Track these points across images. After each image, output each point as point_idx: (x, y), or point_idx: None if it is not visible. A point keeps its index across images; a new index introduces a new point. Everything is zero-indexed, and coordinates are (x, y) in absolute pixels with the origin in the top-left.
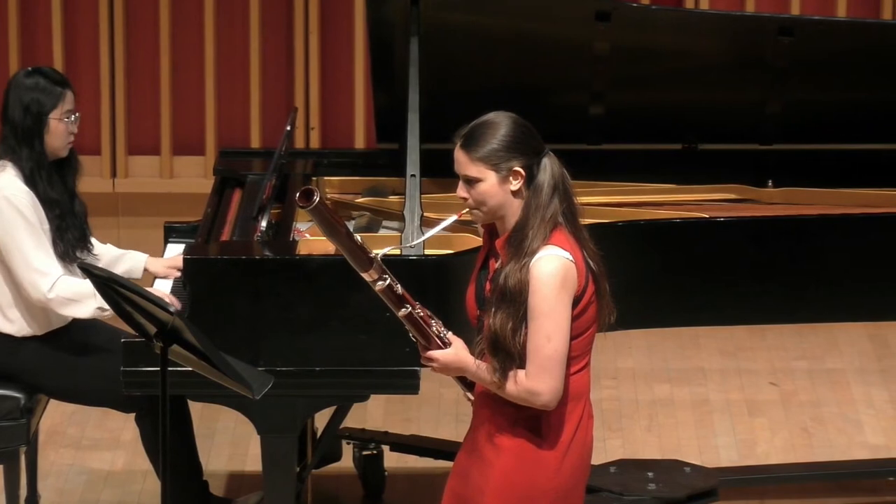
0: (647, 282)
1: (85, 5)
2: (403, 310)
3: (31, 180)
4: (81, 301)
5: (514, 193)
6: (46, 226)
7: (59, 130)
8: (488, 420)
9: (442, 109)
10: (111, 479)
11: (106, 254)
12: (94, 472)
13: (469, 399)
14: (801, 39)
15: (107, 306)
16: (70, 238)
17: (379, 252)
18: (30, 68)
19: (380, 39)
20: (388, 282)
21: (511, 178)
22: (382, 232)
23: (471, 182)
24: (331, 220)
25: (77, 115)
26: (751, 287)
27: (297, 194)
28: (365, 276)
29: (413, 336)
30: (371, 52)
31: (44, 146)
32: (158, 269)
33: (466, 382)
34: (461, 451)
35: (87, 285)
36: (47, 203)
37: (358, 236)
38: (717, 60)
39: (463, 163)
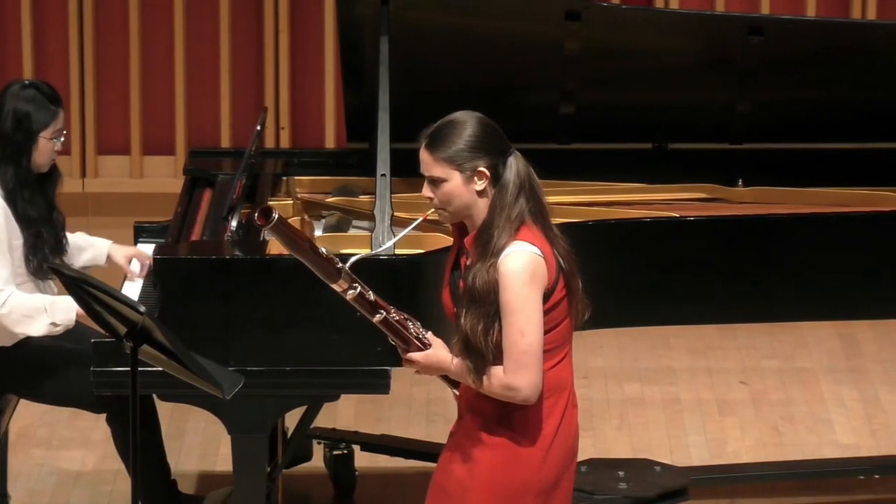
0: (617, 281)
1: (54, 5)
2: (378, 315)
3: (10, 196)
4: (34, 317)
5: (480, 193)
6: (18, 241)
7: (47, 149)
8: (472, 416)
9: (412, 109)
10: (81, 480)
11: (73, 243)
12: (64, 473)
13: (456, 395)
14: (770, 39)
15: (59, 322)
16: (43, 255)
17: (354, 255)
18: (26, 81)
19: (350, 39)
20: (358, 290)
21: (476, 178)
22: (353, 231)
23: (436, 182)
24: (292, 236)
25: (65, 133)
26: (721, 286)
27: (256, 214)
28: (335, 286)
29: (391, 340)
30: (341, 52)
31: (30, 163)
32: (117, 256)
33: (451, 380)
34: (446, 445)
35: (39, 301)
36: (24, 221)
37: (323, 248)
38: (687, 60)
39: (428, 163)
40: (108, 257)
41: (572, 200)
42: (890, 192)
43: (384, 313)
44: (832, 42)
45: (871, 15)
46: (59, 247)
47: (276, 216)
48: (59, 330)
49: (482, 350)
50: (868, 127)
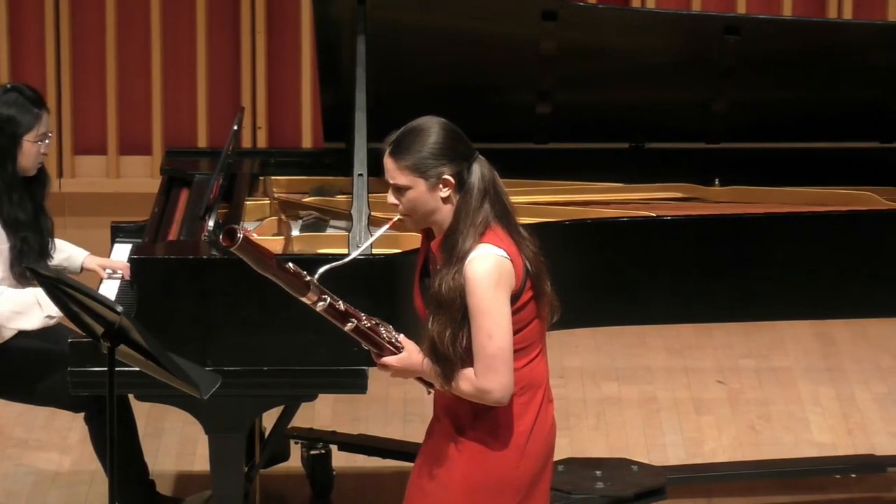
0: (594, 281)
1: (31, 4)
2: (349, 324)
3: None
4: (27, 312)
5: (444, 200)
6: (5, 245)
7: (32, 152)
8: (448, 415)
9: (389, 108)
10: (58, 480)
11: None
12: (41, 473)
13: (431, 395)
14: (747, 38)
15: (54, 314)
16: (29, 260)
17: (322, 267)
18: (8, 85)
19: (327, 39)
20: (328, 301)
21: (441, 185)
22: (330, 231)
23: (400, 190)
24: (258, 255)
25: (50, 135)
26: (698, 286)
27: (221, 235)
28: (304, 300)
29: (364, 346)
30: (318, 52)
31: (16, 167)
32: (91, 265)
33: (426, 380)
34: (423, 446)
35: (30, 296)
36: (12, 225)
37: (289, 263)
38: (663, 59)
39: (392, 171)
40: (83, 267)
41: (549, 200)
42: (867, 192)
43: (355, 321)
44: (808, 42)
45: (847, 14)
46: (45, 252)
47: (241, 236)
48: (53, 322)
49: (449, 356)
50: (844, 126)
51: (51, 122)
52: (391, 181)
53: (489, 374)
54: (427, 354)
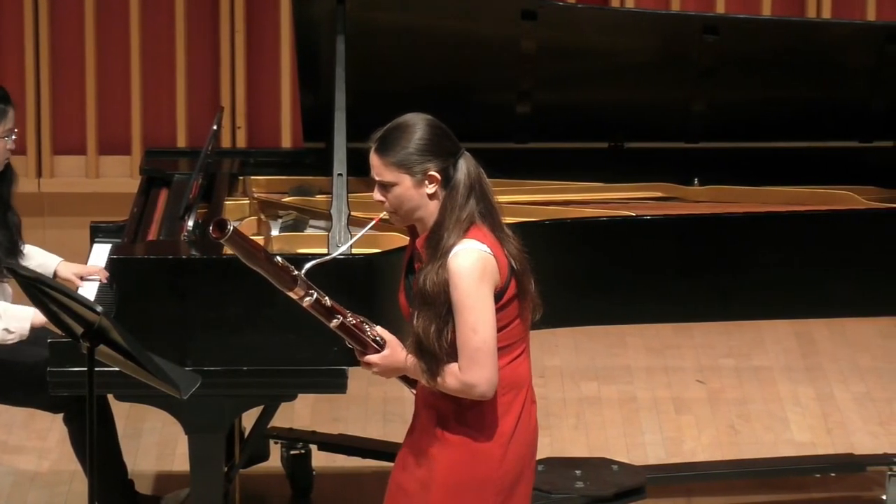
0: (574, 280)
1: (9, 4)
2: (335, 321)
3: None
4: None
5: (430, 196)
6: None
7: None
8: (429, 414)
9: (369, 108)
10: (38, 480)
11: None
12: (20, 474)
13: (413, 394)
14: (726, 38)
15: (13, 329)
16: None
17: (309, 262)
18: None
19: (306, 38)
20: (315, 296)
21: (426, 182)
22: (309, 231)
23: (386, 186)
24: (247, 247)
25: (16, 131)
26: (677, 285)
27: (210, 226)
28: (291, 294)
29: (348, 343)
30: (297, 52)
31: None
32: (66, 273)
33: (408, 380)
34: (404, 444)
35: None
36: None
37: (277, 257)
38: (643, 59)
39: (378, 167)
40: (56, 275)
41: (529, 200)
42: (846, 191)
43: (341, 318)
44: (787, 41)
45: (826, 14)
46: (14, 249)
47: (231, 228)
48: (11, 338)
49: (435, 351)
50: (824, 125)
51: (30, 122)
52: (377, 178)
53: (474, 367)
54: (412, 351)
